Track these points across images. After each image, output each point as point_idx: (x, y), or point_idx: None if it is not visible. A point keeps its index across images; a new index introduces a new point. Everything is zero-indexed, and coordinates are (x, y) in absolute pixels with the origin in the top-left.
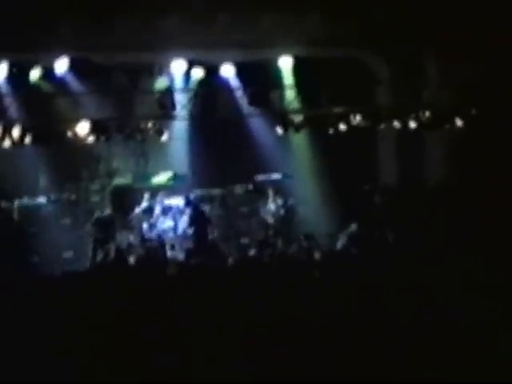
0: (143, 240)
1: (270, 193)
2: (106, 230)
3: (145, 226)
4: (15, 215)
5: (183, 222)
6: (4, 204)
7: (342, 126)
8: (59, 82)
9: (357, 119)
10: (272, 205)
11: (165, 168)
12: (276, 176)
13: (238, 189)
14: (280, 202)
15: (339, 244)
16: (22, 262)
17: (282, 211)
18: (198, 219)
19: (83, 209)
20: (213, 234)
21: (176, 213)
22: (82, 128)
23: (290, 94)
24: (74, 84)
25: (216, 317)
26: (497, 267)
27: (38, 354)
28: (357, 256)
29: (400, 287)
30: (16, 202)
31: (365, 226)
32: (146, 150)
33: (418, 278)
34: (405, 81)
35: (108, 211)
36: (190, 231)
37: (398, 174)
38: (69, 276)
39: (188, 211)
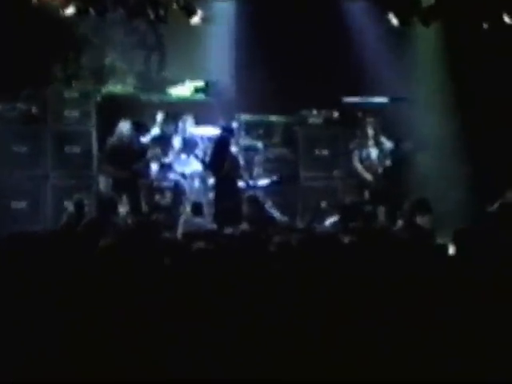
0: (149, 191)
1: (369, 127)
2: (83, 167)
3: (153, 166)
4: None
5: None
6: None
7: (508, 19)
8: None
9: None
10: (372, 148)
11: (192, 72)
12: (380, 99)
13: (315, 117)
14: (387, 143)
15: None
16: None
17: (387, 160)
18: (244, 163)
19: (51, 130)
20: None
21: (207, 149)
22: None
23: None
24: None
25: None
26: None
27: None
28: None
29: None
30: None
31: None
32: (164, 39)
33: None
34: None
35: (91, 135)
36: (229, 182)
37: None
38: (19, 239)
39: (227, 148)
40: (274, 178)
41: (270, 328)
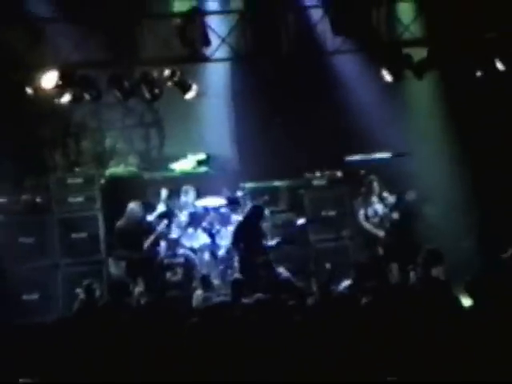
0: (160, 268)
1: (375, 184)
2: (91, 252)
3: (161, 243)
4: None
5: (227, 236)
6: None
7: (500, 65)
8: None
9: None
10: (378, 204)
11: (193, 146)
12: (382, 155)
13: (319, 179)
14: (390, 198)
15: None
16: None
17: (395, 214)
18: (253, 231)
19: (56, 218)
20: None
21: (213, 221)
22: (50, 79)
23: (406, 11)
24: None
25: None
26: None
27: None
28: None
29: None
30: None
31: None
32: (161, 117)
33: None
34: None
35: (98, 219)
36: (239, 252)
37: None
38: (32, 330)
39: (233, 218)
40: (279, 239)
41: None
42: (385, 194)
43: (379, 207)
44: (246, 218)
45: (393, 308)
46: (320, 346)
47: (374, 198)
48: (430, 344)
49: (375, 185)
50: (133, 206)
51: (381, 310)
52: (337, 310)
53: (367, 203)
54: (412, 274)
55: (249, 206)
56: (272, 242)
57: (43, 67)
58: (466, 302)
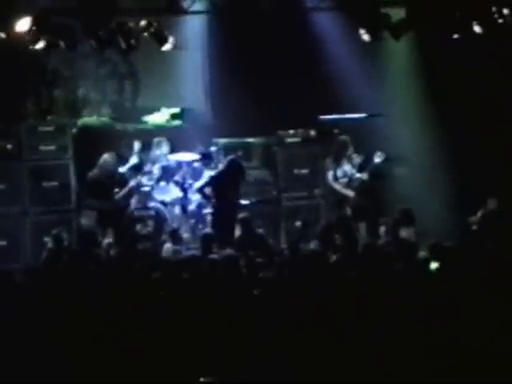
0: (130, 221)
1: (348, 144)
2: (62, 201)
3: (133, 196)
4: None
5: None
6: None
7: (478, 29)
8: None
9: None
10: (347, 165)
11: (167, 99)
12: (357, 116)
13: (292, 136)
14: (358, 159)
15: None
16: None
17: (363, 175)
18: (224, 187)
19: (27, 166)
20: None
21: (186, 175)
22: (25, 24)
23: None
24: None
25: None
26: None
27: None
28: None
29: None
30: None
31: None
32: (136, 68)
33: None
34: None
35: (69, 168)
36: (209, 207)
37: None
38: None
39: (205, 173)
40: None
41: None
42: (353, 155)
43: (347, 168)
44: (222, 172)
45: (361, 266)
46: (288, 304)
47: (344, 159)
48: (396, 304)
49: (348, 146)
50: (106, 157)
51: (349, 268)
52: (305, 267)
53: (337, 164)
54: (382, 234)
55: (224, 160)
56: (246, 202)
57: (18, 12)
58: (433, 265)
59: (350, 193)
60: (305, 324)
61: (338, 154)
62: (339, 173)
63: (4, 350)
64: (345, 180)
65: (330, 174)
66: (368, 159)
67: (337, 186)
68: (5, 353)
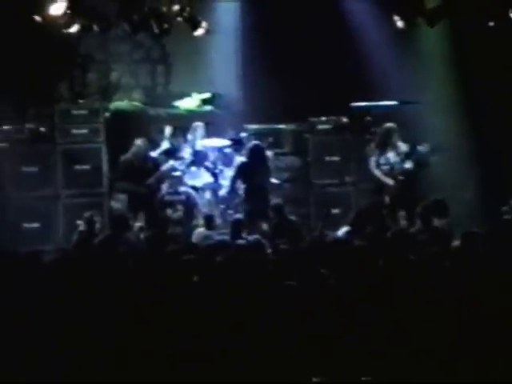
0: (161, 205)
1: (395, 133)
2: (93, 184)
3: (164, 181)
4: None
5: (229, 176)
6: None
7: None
8: None
9: None
10: (390, 152)
11: (198, 84)
12: (389, 103)
13: (324, 123)
14: (404, 147)
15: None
16: None
17: (408, 164)
18: (257, 173)
19: (60, 149)
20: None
21: (217, 161)
22: (59, 7)
23: None
24: None
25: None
26: None
27: None
28: None
29: None
30: None
31: None
32: (169, 53)
33: None
34: None
35: (101, 151)
36: (242, 192)
37: None
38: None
39: (236, 159)
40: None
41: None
42: (398, 143)
43: (391, 155)
44: (246, 160)
45: (387, 253)
46: (306, 289)
47: (388, 146)
48: (423, 292)
49: (393, 133)
50: (139, 142)
51: (373, 254)
52: (326, 254)
53: (381, 150)
54: (417, 224)
55: (246, 148)
56: (275, 181)
57: None
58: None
59: (390, 181)
60: (323, 309)
61: (382, 141)
62: (382, 160)
63: (23, 329)
64: (387, 167)
65: (373, 161)
66: (414, 148)
67: (377, 173)
68: (26, 333)
